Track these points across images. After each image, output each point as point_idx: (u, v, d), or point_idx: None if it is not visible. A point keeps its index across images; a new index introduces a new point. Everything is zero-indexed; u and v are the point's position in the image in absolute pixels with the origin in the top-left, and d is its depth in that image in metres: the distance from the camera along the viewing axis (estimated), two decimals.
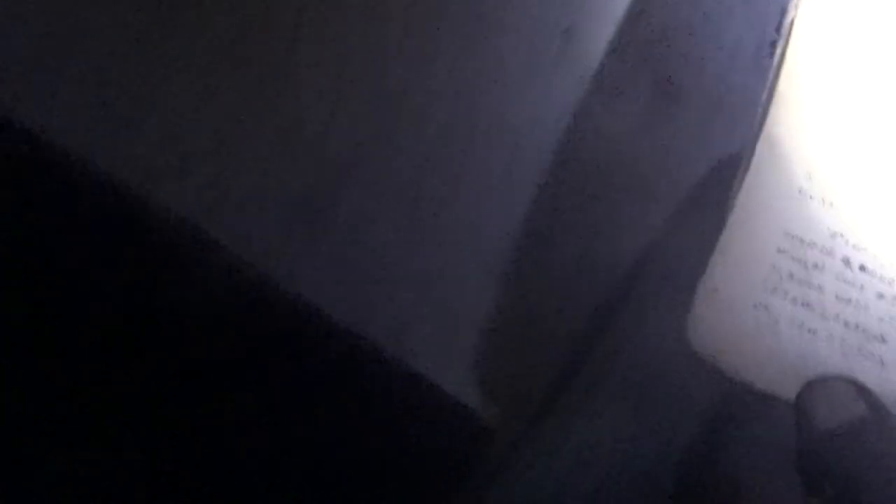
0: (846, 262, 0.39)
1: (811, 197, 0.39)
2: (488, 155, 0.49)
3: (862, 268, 0.39)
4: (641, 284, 0.45)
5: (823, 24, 0.40)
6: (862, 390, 0.36)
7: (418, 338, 0.48)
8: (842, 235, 0.39)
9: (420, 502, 0.46)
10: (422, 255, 0.50)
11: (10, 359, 0.44)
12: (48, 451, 0.44)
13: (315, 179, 0.49)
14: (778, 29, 0.40)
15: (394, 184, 0.50)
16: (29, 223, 0.48)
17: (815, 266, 0.39)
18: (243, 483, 0.48)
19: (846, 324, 0.38)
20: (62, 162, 0.47)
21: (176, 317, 0.50)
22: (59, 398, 0.45)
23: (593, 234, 0.46)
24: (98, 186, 0.48)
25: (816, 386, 0.36)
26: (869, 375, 0.37)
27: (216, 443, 0.47)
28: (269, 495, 0.47)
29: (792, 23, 0.40)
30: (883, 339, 0.38)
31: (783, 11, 0.41)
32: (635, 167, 0.47)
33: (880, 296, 0.38)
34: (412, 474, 0.47)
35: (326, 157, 0.49)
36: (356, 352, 0.48)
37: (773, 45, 0.40)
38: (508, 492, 0.43)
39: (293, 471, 0.48)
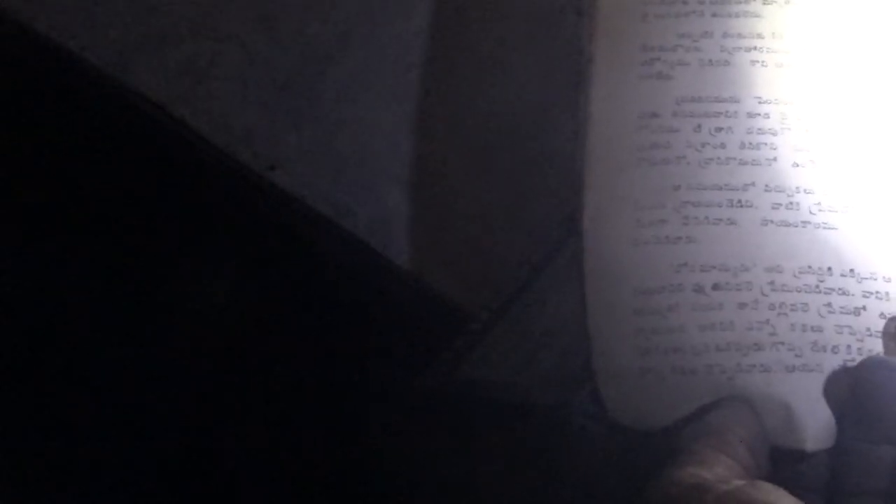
0: (698, 289, 0.39)
1: (646, 242, 0.39)
2: None
3: (715, 286, 0.38)
4: None
5: None
6: None
7: (399, 231, 0.50)
8: (687, 265, 0.39)
9: (397, 376, 0.49)
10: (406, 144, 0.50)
11: None
12: None
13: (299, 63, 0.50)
14: None
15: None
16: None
17: (669, 308, 0.38)
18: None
19: (717, 347, 0.38)
20: (35, 40, 0.51)
21: (149, 209, 0.56)
22: None
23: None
24: (69, 65, 0.51)
25: None
26: (757, 386, 0.37)
27: None
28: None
29: None
30: (759, 347, 0.37)
31: None
32: None
33: (742, 305, 0.37)
34: (391, 352, 0.52)
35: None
36: (339, 242, 0.50)
37: None
38: (475, 368, 0.46)
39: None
